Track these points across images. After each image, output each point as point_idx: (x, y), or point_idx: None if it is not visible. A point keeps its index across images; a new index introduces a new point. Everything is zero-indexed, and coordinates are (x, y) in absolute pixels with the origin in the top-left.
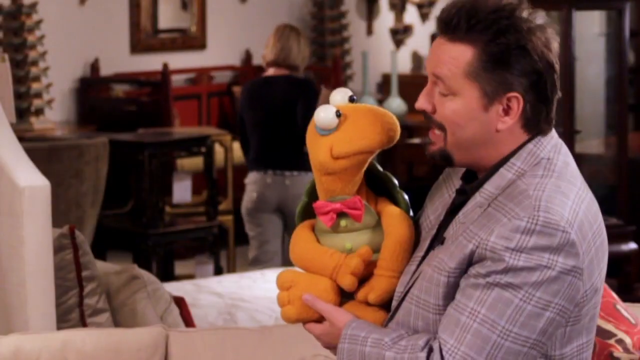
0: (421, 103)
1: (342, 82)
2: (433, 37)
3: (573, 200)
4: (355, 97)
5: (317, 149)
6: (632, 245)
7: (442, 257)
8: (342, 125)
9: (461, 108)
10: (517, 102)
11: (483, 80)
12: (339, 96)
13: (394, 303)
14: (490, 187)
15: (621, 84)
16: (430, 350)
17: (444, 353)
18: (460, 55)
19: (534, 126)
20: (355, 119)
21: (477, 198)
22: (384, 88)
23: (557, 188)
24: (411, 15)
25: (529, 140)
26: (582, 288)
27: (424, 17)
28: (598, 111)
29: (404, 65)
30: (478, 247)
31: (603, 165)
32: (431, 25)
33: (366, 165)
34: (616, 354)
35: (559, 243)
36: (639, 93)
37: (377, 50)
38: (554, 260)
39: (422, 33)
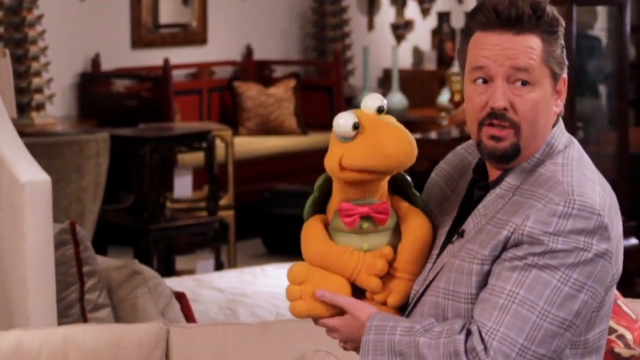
0: (503, 102)
1: (343, 78)
2: (434, 32)
3: (599, 185)
4: (383, 108)
5: (330, 152)
6: (633, 241)
7: (470, 247)
8: (358, 137)
9: (541, 97)
10: (564, 83)
11: (553, 65)
12: (370, 102)
13: (410, 299)
14: (510, 179)
15: (622, 80)
16: (469, 333)
17: (483, 335)
18: (535, 45)
19: (561, 110)
20: (370, 134)
21: (497, 190)
22: (384, 83)
23: (582, 174)
24: (412, 10)
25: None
26: (610, 272)
27: (424, 12)
28: (599, 107)
29: (405, 60)
30: (514, 232)
31: (604, 161)
32: (432, 21)
33: (384, 182)
34: (617, 349)
35: (595, 226)
36: (639, 88)
37: (378, 46)
38: (589, 242)
39: (423, 28)
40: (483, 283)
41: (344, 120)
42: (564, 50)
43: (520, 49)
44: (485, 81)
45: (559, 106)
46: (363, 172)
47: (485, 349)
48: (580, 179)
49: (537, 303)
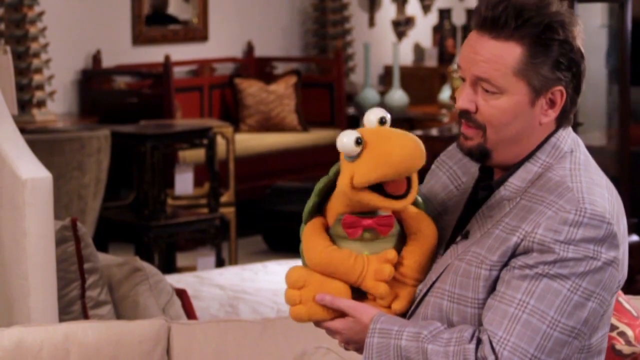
0: (464, 103)
1: (344, 74)
2: (435, 29)
3: (607, 191)
4: (385, 119)
5: (342, 174)
6: (634, 238)
7: (476, 250)
8: (363, 154)
9: (509, 105)
10: (560, 95)
11: (531, 77)
12: (372, 116)
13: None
14: (516, 180)
15: (623, 76)
16: (479, 342)
17: (494, 344)
18: (507, 53)
19: (566, 117)
20: (375, 147)
21: (502, 192)
22: (385, 80)
23: (591, 180)
24: (413, 7)
25: (552, 134)
26: (617, 278)
27: (425, 8)
28: (600, 103)
29: (406, 57)
30: (524, 239)
31: (605, 158)
32: (433, 17)
33: None
34: (618, 346)
35: (604, 235)
36: None
37: (379, 42)
38: (599, 251)
39: (424, 25)
40: (491, 288)
41: (347, 138)
42: (567, 61)
43: (488, 56)
44: (463, 80)
45: (549, 116)
46: (374, 192)
47: (497, 358)
48: (589, 185)
49: (547, 313)
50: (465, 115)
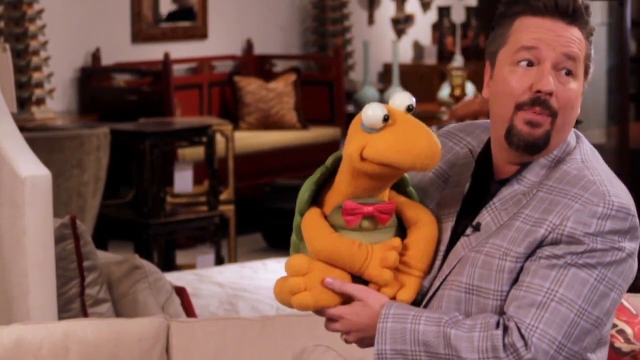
0: (552, 85)
1: (343, 72)
2: (435, 27)
3: (621, 182)
4: (413, 107)
5: (352, 141)
6: None
7: (495, 242)
8: (384, 130)
9: (578, 89)
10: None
11: (588, 62)
12: (399, 101)
13: (424, 293)
14: (529, 175)
15: (623, 74)
16: (506, 329)
17: (522, 331)
18: (580, 37)
19: None
20: (401, 130)
21: (515, 185)
22: (385, 77)
23: (606, 172)
24: (412, 4)
25: None
26: (634, 269)
27: (425, 6)
28: (599, 101)
29: (405, 54)
30: (552, 232)
31: (605, 155)
32: (432, 15)
33: (394, 180)
34: (617, 344)
35: (629, 227)
36: None
37: (378, 40)
38: (623, 242)
39: (423, 22)
40: (515, 280)
41: (372, 111)
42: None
43: (572, 38)
44: (530, 64)
45: (579, 101)
46: (384, 166)
47: (526, 345)
48: (608, 177)
49: (575, 301)
50: (544, 100)
